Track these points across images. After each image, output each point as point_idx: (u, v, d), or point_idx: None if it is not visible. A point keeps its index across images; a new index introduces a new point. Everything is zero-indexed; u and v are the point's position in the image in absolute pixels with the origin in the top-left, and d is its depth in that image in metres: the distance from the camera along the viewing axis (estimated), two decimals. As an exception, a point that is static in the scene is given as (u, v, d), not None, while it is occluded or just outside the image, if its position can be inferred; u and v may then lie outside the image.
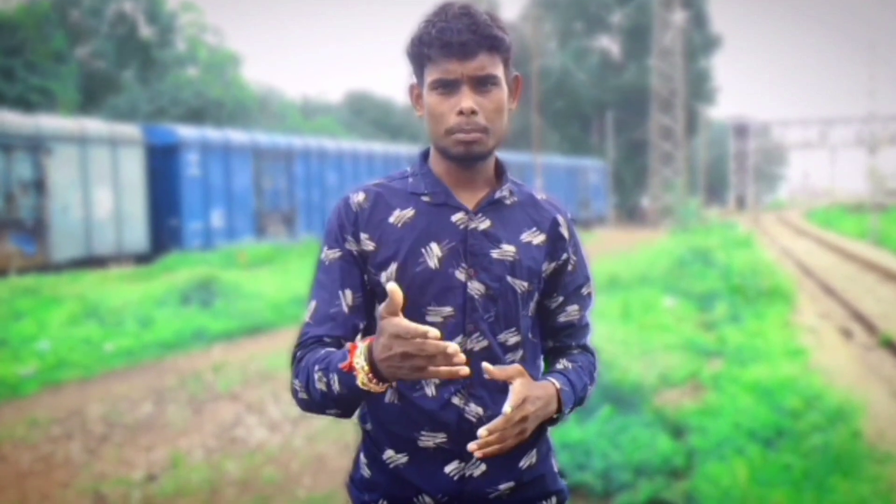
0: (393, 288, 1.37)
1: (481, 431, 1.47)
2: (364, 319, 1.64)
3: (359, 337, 1.62)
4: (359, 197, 1.66)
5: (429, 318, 1.61)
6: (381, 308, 1.38)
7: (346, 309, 1.62)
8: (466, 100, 1.56)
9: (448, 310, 1.61)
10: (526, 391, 1.52)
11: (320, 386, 1.51)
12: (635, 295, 10.80)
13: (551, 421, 1.62)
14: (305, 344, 1.63)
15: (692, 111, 43.83)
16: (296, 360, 1.63)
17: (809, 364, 7.09)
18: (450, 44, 1.54)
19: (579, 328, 1.79)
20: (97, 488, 4.66)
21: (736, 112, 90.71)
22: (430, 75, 1.58)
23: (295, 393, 1.61)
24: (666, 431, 4.99)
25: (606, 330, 7.72)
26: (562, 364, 1.73)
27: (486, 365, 1.52)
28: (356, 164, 24.88)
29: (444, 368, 1.36)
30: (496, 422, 1.48)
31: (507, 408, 1.49)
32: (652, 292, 11.25)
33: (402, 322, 1.35)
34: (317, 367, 1.52)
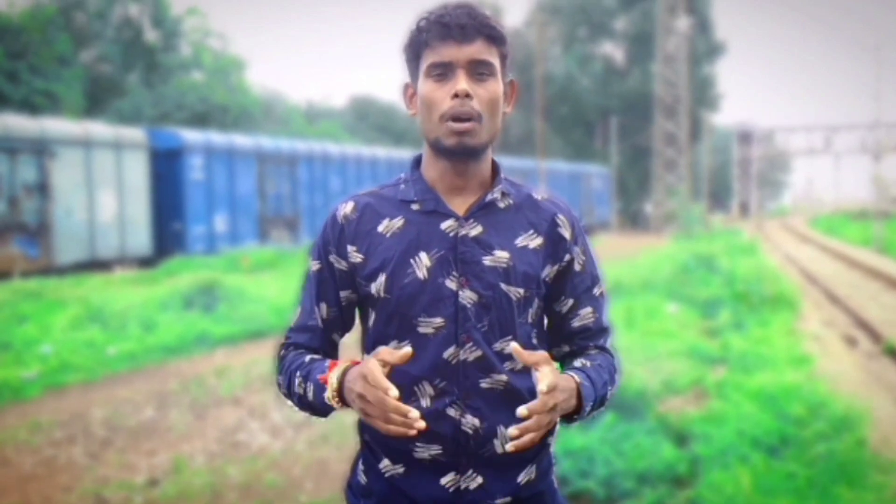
0: (404, 352, 1.50)
1: (521, 411, 1.44)
2: (340, 331, 1.71)
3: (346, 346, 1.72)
4: (346, 208, 1.66)
5: (419, 330, 1.60)
6: (382, 348, 1.52)
7: (320, 323, 1.69)
8: (461, 82, 1.54)
9: (438, 320, 1.59)
10: (555, 378, 1.49)
11: (298, 390, 1.62)
12: (639, 301, 10.78)
13: (570, 418, 1.58)
14: (287, 347, 1.73)
15: (696, 117, 43.81)
16: (279, 359, 1.73)
17: (814, 372, 7.06)
18: (448, 26, 1.54)
19: (596, 331, 1.73)
20: (99, 492, 4.65)
21: (740, 118, 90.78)
22: (427, 60, 1.57)
23: (279, 386, 1.71)
24: (669, 439, 4.97)
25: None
26: (579, 362, 1.67)
27: (514, 345, 1.51)
28: (360, 168, 24.89)
29: (393, 428, 1.44)
30: (535, 403, 1.45)
31: (542, 387, 1.45)
32: (655, 298, 11.22)
33: (376, 370, 1.45)
34: (298, 373, 1.63)
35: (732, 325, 9.49)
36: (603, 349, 1.73)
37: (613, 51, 48.57)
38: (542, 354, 1.52)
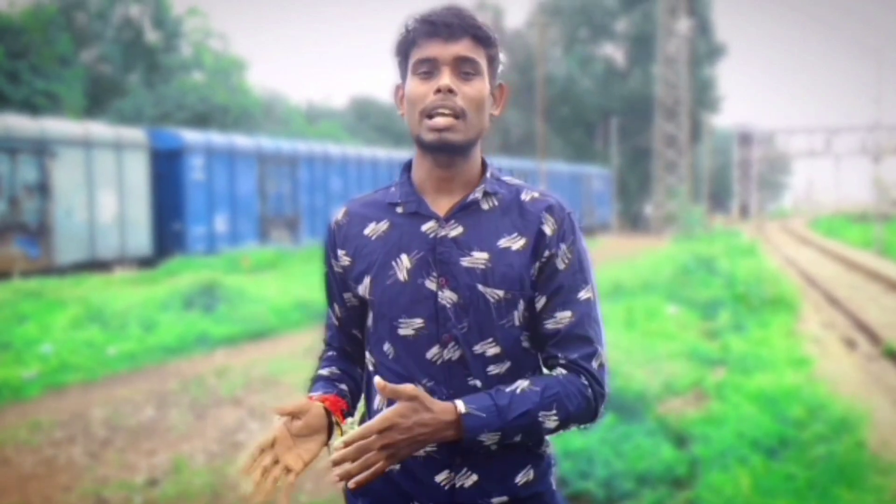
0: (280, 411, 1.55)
1: (336, 443, 1.45)
2: (358, 327, 1.76)
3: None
4: (339, 214, 1.72)
5: (399, 332, 1.61)
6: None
7: (336, 321, 1.77)
8: (444, 79, 1.55)
9: (418, 321, 1.60)
10: (397, 418, 1.44)
11: None
12: (639, 302, 10.78)
13: (458, 444, 1.51)
14: (324, 345, 1.84)
15: (696, 119, 43.82)
16: (321, 355, 1.84)
17: (813, 373, 7.07)
18: (435, 24, 1.56)
19: (568, 338, 1.60)
20: (99, 492, 4.66)
21: (740, 120, 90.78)
22: (413, 58, 1.59)
23: None
24: (669, 440, 4.98)
25: (610, 337, 7.71)
26: (516, 384, 1.55)
27: (377, 379, 1.47)
28: (360, 169, 24.89)
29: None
30: (353, 433, 1.44)
31: (359, 430, 1.44)
32: (655, 300, 11.23)
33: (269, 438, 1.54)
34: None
35: (732, 327, 9.50)
36: (574, 366, 1.59)
37: (614, 52, 48.61)
38: (406, 390, 1.45)
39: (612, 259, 18.44)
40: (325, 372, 1.74)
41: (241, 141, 21.89)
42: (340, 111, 43.65)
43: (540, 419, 1.53)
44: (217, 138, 21.14)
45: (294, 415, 1.53)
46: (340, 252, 1.68)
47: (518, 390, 1.54)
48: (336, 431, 1.59)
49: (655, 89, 39.79)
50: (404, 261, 1.61)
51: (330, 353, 1.79)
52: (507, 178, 1.68)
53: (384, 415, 1.45)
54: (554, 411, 1.54)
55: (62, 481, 4.85)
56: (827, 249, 26.35)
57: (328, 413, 1.59)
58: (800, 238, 36.03)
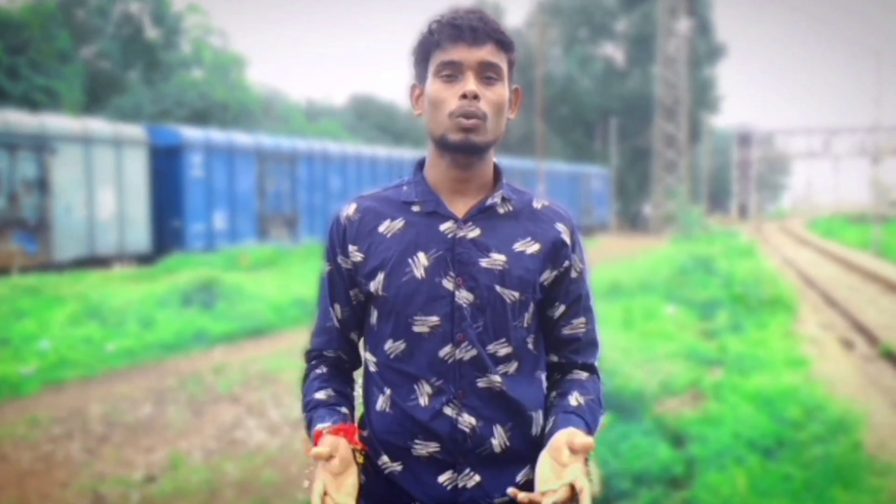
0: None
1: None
2: (357, 329, 1.74)
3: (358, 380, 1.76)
4: (349, 210, 1.69)
5: (415, 329, 1.62)
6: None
7: (336, 323, 1.72)
8: (470, 84, 1.57)
9: (434, 319, 1.61)
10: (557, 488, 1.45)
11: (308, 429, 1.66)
12: (637, 302, 10.79)
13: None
14: (311, 355, 1.77)
15: (696, 119, 43.83)
16: (304, 374, 1.76)
17: (810, 374, 7.08)
18: (460, 28, 1.57)
19: (586, 344, 1.73)
20: (97, 488, 4.66)
21: (739, 120, 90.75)
22: (436, 61, 1.59)
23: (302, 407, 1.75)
24: (666, 440, 4.98)
25: (608, 337, 7.71)
26: (575, 399, 1.65)
27: (521, 496, 1.47)
28: (360, 167, 24.88)
29: None
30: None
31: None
32: (653, 300, 11.24)
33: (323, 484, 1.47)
34: (305, 416, 1.67)
35: (730, 327, 9.51)
36: (591, 369, 1.74)
37: (614, 52, 48.60)
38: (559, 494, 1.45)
39: (610, 259, 18.44)
40: (321, 396, 1.68)
41: (241, 138, 21.87)
42: (340, 109, 43.63)
43: (600, 424, 1.70)
44: (216, 135, 21.12)
45: (330, 456, 1.50)
46: (352, 248, 1.66)
47: (584, 404, 1.66)
48: (358, 457, 1.58)
49: (655, 89, 39.79)
50: (421, 259, 1.62)
51: (320, 371, 1.73)
52: (516, 186, 1.72)
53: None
54: (601, 411, 1.72)
55: (60, 477, 4.86)
56: (825, 250, 26.37)
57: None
58: (798, 239, 36.04)
